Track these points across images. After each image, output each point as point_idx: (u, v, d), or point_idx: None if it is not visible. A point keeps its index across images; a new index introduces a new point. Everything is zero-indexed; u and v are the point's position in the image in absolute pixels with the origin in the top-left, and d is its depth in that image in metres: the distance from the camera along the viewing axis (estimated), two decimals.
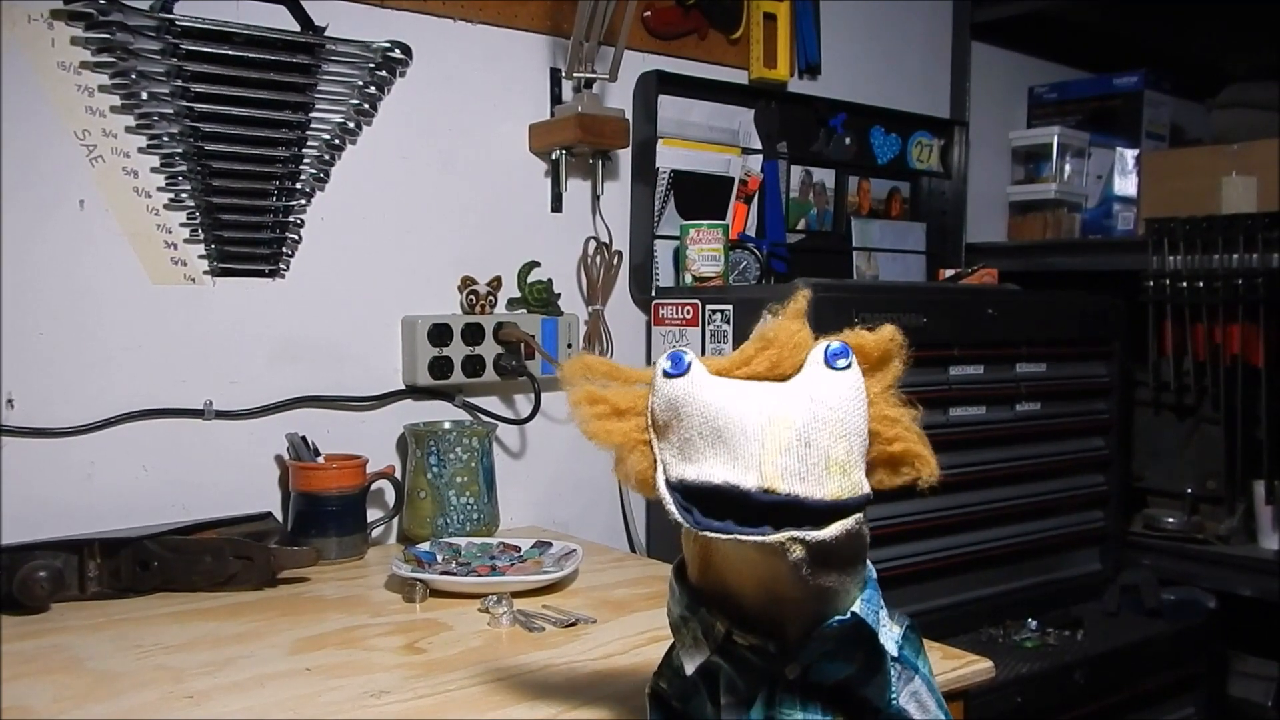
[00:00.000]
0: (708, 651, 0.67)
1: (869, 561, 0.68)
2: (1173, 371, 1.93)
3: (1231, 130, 2.12)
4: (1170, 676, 1.72)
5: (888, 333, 0.68)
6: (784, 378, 0.66)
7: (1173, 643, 1.71)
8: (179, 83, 1.29)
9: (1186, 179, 2.02)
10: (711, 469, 0.62)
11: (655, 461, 0.66)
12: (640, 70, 1.71)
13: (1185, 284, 1.86)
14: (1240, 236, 1.80)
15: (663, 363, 0.66)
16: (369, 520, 1.40)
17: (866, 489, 0.63)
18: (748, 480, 0.61)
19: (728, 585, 0.66)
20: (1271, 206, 1.84)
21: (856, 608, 0.66)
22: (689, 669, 0.68)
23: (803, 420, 0.62)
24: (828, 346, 0.65)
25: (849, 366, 0.65)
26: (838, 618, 0.65)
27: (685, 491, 0.64)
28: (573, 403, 0.68)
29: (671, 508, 0.63)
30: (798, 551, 0.60)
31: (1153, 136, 2.30)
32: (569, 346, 1.62)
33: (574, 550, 1.30)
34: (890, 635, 0.69)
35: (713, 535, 0.62)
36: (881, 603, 0.69)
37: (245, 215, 1.37)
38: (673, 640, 0.73)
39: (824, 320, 0.70)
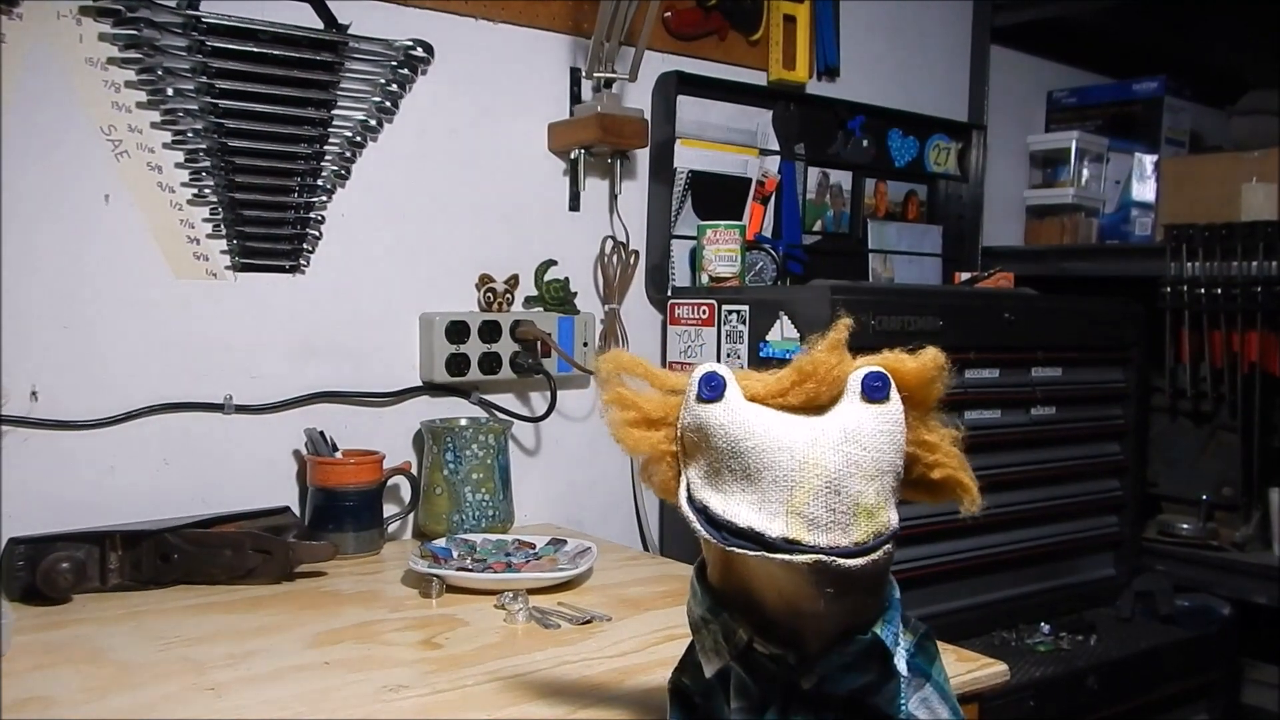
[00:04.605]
0: (727, 657, 0.67)
1: (893, 580, 0.69)
2: (1189, 378, 1.93)
3: (1251, 137, 2.12)
4: (1184, 683, 1.72)
5: (929, 358, 0.65)
6: (822, 407, 0.64)
7: (1186, 649, 1.71)
8: (204, 79, 1.31)
9: (1206, 185, 2.01)
10: (737, 508, 0.62)
11: (680, 475, 0.66)
12: (660, 71, 1.71)
13: (1204, 290, 1.86)
14: (1260, 244, 1.80)
15: (697, 383, 0.65)
16: (385, 516, 1.41)
17: (894, 525, 0.62)
18: (773, 528, 0.60)
19: (750, 593, 0.66)
20: None
21: (878, 629, 0.65)
22: (708, 672, 0.69)
23: (835, 465, 0.61)
24: (866, 377, 0.63)
25: (887, 399, 0.63)
26: (859, 637, 0.65)
27: (709, 517, 0.64)
28: (605, 402, 0.68)
29: (696, 525, 0.63)
30: (823, 574, 0.60)
31: (1172, 142, 2.30)
32: (585, 345, 1.63)
33: (589, 548, 1.30)
34: (902, 647, 0.69)
35: (740, 551, 0.62)
36: (900, 622, 0.69)
37: (267, 211, 1.38)
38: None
39: None
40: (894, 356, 0.65)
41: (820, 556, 0.59)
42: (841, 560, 0.59)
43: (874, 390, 0.62)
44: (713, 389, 0.64)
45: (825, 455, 0.61)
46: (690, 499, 0.65)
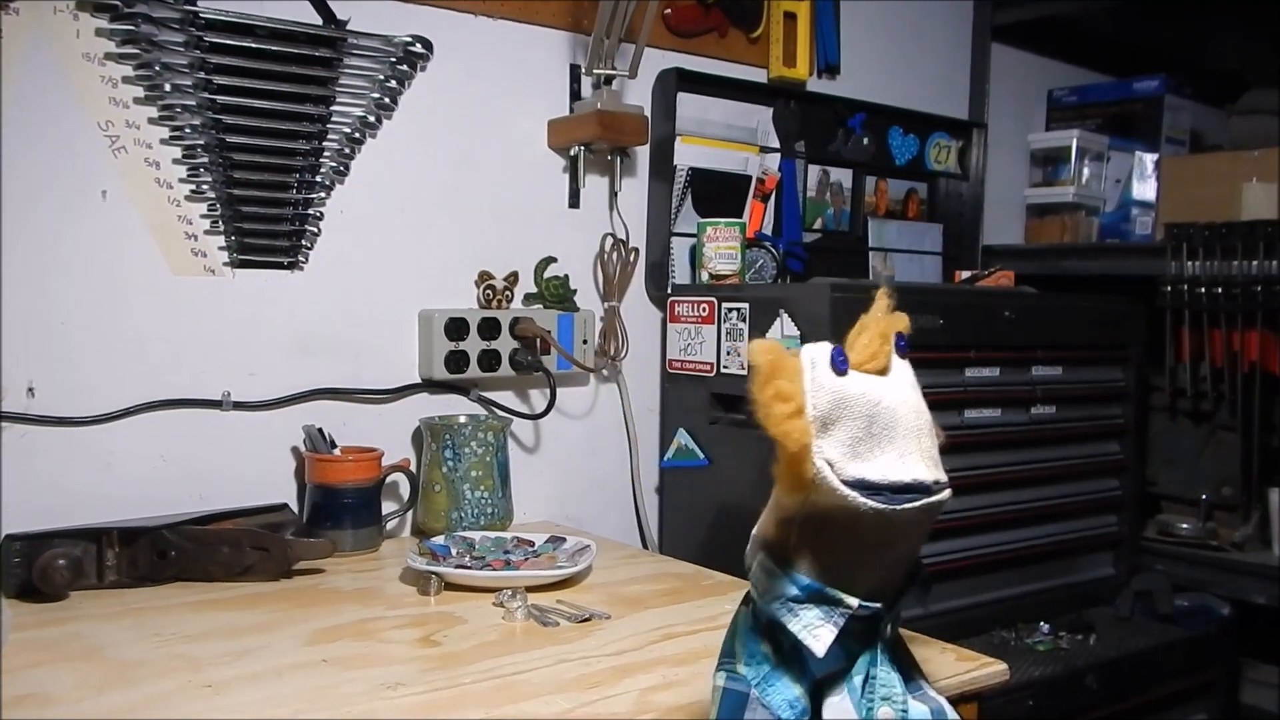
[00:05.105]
0: (835, 629, 0.68)
1: None
2: (1189, 377, 1.92)
3: (1250, 136, 2.11)
4: (1183, 683, 1.72)
5: (883, 305, 0.72)
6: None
7: (1185, 649, 1.71)
8: (202, 75, 1.30)
9: (1206, 184, 2.01)
10: (886, 467, 0.66)
11: (815, 462, 0.66)
12: (660, 68, 1.71)
13: (1204, 290, 1.85)
14: (1260, 243, 1.79)
15: (829, 359, 0.67)
16: (384, 513, 1.41)
17: None
18: (922, 474, 0.67)
19: (852, 561, 0.69)
20: None
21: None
22: (820, 649, 0.68)
23: (925, 410, 0.69)
24: (896, 337, 0.70)
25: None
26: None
27: (855, 488, 0.66)
28: (765, 399, 0.66)
29: (862, 500, 0.65)
30: (939, 509, 0.68)
31: (1172, 141, 2.29)
32: (584, 342, 1.63)
33: (588, 546, 1.30)
34: None
35: (908, 507, 0.66)
36: None
37: (265, 207, 1.38)
38: (738, 630, 0.73)
39: (842, 320, 0.71)
40: (864, 320, 0.73)
41: (949, 490, 0.67)
42: (948, 493, 0.68)
43: (904, 348, 0.71)
44: (844, 361, 0.68)
45: (919, 402, 0.69)
46: (843, 480, 0.66)
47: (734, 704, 0.71)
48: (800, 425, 0.66)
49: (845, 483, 0.65)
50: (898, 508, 0.65)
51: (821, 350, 0.67)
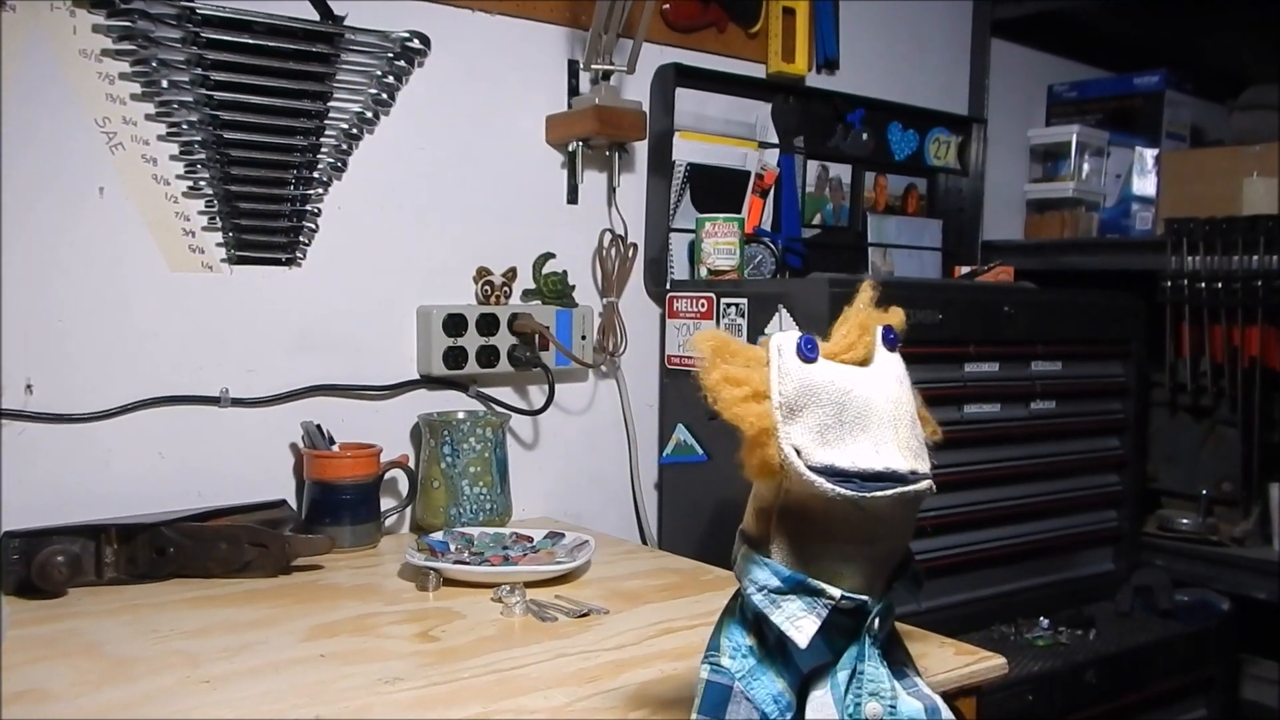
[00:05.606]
0: (819, 620, 0.68)
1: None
2: (1189, 373, 1.92)
3: (1251, 132, 2.11)
4: (1182, 678, 1.72)
5: (865, 297, 0.73)
6: (865, 359, 0.71)
7: (1185, 644, 1.71)
8: (199, 71, 1.30)
9: (1207, 180, 2.01)
10: (857, 455, 0.66)
11: (781, 447, 0.67)
12: (658, 63, 1.71)
13: (1204, 285, 1.85)
14: (1260, 238, 1.79)
15: (797, 347, 0.67)
16: (383, 509, 1.41)
17: None
18: (897, 463, 0.66)
19: (832, 553, 0.68)
20: None
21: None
22: (802, 640, 0.68)
23: (907, 402, 0.68)
24: (884, 330, 0.71)
25: (898, 347, 0.71)
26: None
27: (824, 474, 0.66)
28: (714, 382, 0.67)
29: (829, 486, 0.65)
30: (922, 499, 0.67)
31: (1173, 137, 2.29)
32: (583, 338, 1.63)
33: (586, 541, 1.30)
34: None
35: (879, 495, 0.65)
36: None
37: (263, 204, 1.37)
38: (726, 622, 0.73)
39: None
40: (850, 313, 0.73)
41: (930, 481, 0.67)
42: (930, 483, 0.67)
43: (893, 341, 0.71)
44: (813, 349, 0.68)
45: (901, 394, 0.69)
46: (810, 466, 0.66)
47: (716, 696, 0.72)
48: (758, 409, 0.66)
49: (813, 469, 0.65)
50: (868, 495, 0.65)
51: (789, 338, 0.67)
